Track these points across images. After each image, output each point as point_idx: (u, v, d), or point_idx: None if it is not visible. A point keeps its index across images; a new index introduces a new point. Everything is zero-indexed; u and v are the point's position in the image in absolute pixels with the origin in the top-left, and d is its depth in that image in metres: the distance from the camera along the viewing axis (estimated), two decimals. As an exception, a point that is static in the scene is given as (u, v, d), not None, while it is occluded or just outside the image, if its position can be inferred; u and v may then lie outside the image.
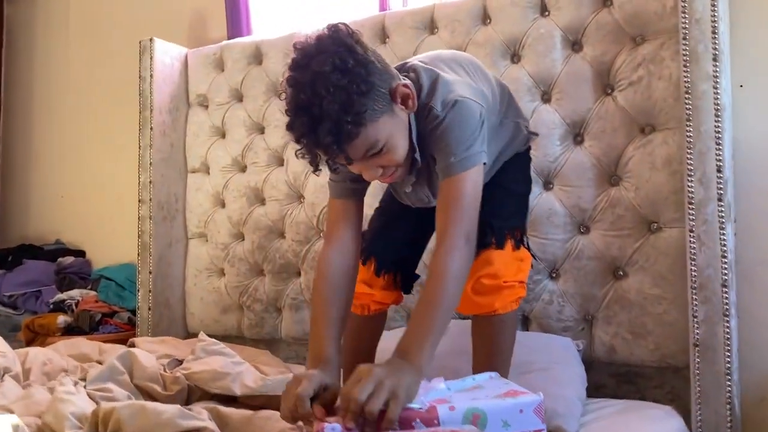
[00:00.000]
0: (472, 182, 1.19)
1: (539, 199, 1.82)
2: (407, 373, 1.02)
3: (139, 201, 2.40)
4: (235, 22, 2.56)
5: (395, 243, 1.45)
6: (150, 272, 2.37)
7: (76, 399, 1.16)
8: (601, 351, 1.73)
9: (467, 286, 1.35)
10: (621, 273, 1.72)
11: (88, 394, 1.25)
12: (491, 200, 1.38)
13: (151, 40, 2.41)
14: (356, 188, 1.34)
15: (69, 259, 2.91)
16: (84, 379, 1.39)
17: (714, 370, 1.50)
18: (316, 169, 1.17)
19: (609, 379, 1.74)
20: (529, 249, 1.43)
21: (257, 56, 2.36)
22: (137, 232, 2.40)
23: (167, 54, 2.46)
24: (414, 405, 0.97)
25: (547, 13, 1.85)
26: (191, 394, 1.42)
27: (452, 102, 1.20)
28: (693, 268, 1.53)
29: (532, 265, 1.48)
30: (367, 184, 1.34)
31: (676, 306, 1.62)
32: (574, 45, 1.82)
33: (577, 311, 1.76)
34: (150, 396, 1.35)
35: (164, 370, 1.45)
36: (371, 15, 2.18)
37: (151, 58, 2.40)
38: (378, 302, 1.47)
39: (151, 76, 2.40)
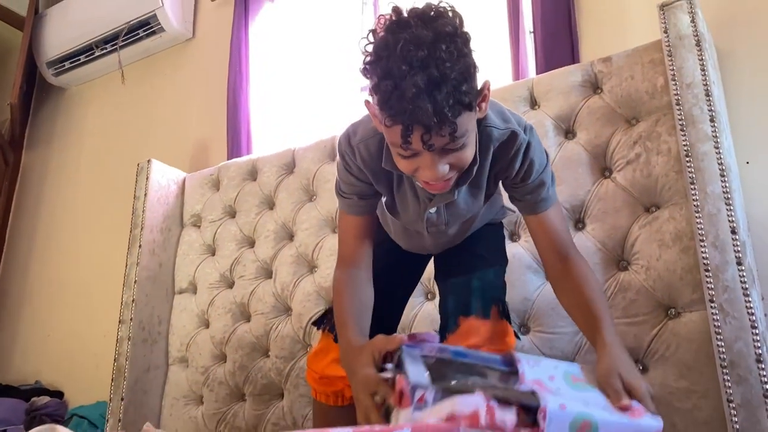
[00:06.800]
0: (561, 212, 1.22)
1: (542, 289, 1.65)
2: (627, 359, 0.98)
3: (120, 321, 2.25)
4: (236, 148, 2.58)
5: (381, 312, 1.19)
6: (122, 399, 2.14)
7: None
8: (625, 462, 1.44)
9: None
10: (640, 366, 1.49)
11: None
12: (471, 268, 1.28)
13: (148, 161, 2.42)
14: (368, 204, 1.19)
15: (44, 399, 2.68)
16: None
17: (764, 466, 1.23)
18: (407, 143, 0.92)
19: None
20: (511, 325, 1.29)
21: (252, 173, 2.34)
22: (113, 355, 2.22)
23: (164, 176, 2.45)
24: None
25: (537, 105, 1.82)
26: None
27: (529, 126, 1.11)
28: (720, 343, 1.32)
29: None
30: (377, 198, 1.19)
31: (709, 399, 1.38)
32: (567, 133, 1.76)
33: (594, 414, 1.50)
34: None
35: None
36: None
37: (147, 178, 2.39)
38: None
39: (145, 194, 2.37)
